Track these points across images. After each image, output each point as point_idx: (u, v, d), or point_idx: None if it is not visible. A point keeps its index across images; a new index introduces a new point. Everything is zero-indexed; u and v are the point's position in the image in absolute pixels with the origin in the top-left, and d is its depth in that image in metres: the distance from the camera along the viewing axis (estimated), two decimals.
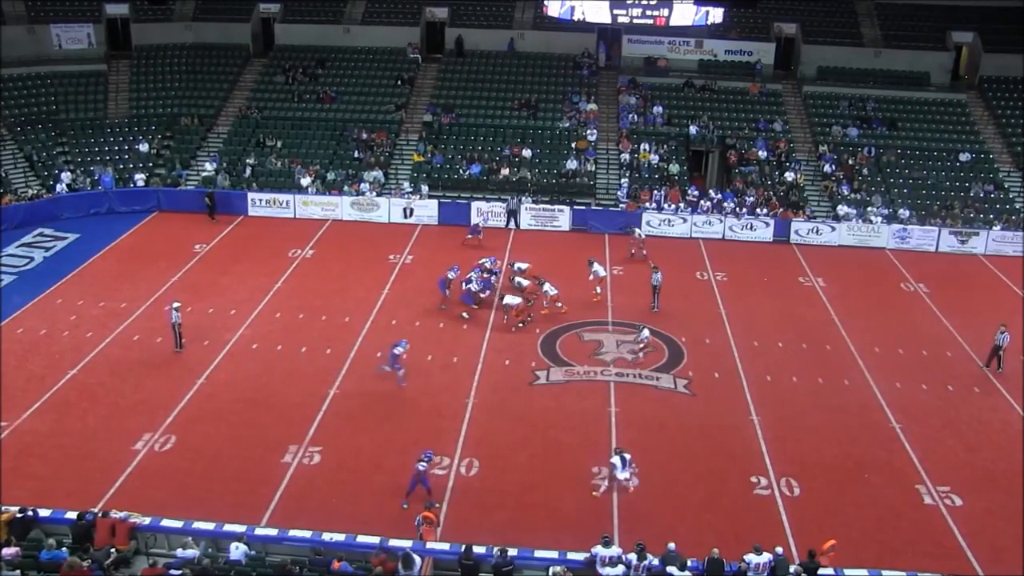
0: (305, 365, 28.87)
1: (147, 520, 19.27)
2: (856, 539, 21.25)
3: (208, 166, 45.51)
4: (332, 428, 25.32)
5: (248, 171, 45.34)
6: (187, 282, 35.19)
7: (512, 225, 42.96)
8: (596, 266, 34.89)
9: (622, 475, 22.65)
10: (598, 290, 35.02)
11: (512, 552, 18.45)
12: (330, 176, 44.91)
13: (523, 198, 43.73)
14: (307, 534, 19.18)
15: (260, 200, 43.34)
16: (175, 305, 29.61)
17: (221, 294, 33.92)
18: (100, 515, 19.12)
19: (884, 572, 18.87)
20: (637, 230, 40.50)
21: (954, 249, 42.66)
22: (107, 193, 43.50)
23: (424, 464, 21.97)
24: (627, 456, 22.79)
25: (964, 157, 47.60)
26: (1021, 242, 42.41)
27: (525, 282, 33.87)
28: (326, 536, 19.01)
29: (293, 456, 23.80)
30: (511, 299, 32.06)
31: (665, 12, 33.63)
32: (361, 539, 19.01)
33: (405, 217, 43.12)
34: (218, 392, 27.06)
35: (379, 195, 43.81)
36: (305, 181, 44.25)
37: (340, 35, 53.54)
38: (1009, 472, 24.67)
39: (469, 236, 40.40)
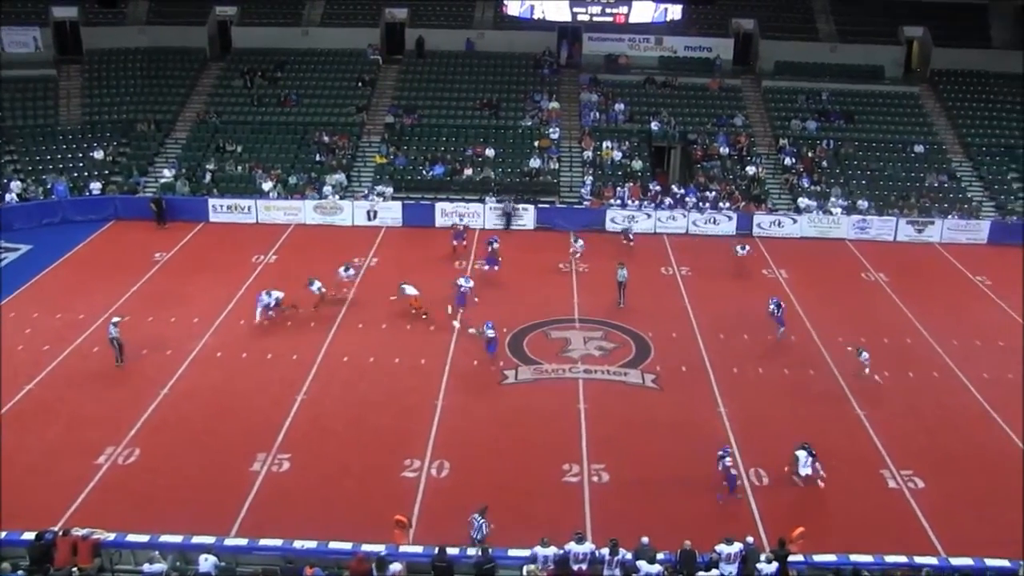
0: (271, 372, 28.58)
1: (111, 536, 18.80)
2: (824, 525, 21.42)
3: (167, 172, 44.93)
4: (300, 434, 25.06)
5: (208, 177, 44.83)
6: (148, 291, 34.69)
7: (508, 227, 42.75)
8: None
9: (805, 470, 22.95)
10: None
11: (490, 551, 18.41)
12: (292, 180, 44.55)
13: (515, 203, 43.54)
14: (278, 542, 18.93)
15: (221, 206, 42.88)
16: (115, 320, 28.86)
17: (183, 303, 33.44)
18: (61, 534, 18.50)
19: (852, 556, 19.09)
20: (629, 234, 40.58)
21: (911, 238, 43.31)
22: (61, 202, 42.57)
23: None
24: (813, 452, 23.16)
25: (919, 149, 48.31)
26: (974, 230, 43.40)
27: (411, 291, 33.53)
28: (297, 544, 18.78)
29: (262, 464, 23.53)
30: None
31: (624, 10, 33.73)
32: (333, 545, 18.81)
33: (369, 220, 42.89)
34: (182, 402, 26.67)
35: (342, 198, 43.54)
36: (267, 186, 43.87)
37: (299, 37, 53.10)
38: (968, 454, 25.22)
39: (455, 243, 39.43)
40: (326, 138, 47.15)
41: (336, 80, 51.33)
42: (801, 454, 23.06)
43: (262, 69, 51.21)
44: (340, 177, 44.69)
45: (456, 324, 31.39)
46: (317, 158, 46.21)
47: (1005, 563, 19.03)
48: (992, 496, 23.29)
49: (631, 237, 39.94)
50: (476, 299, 33.27)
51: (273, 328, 31.34)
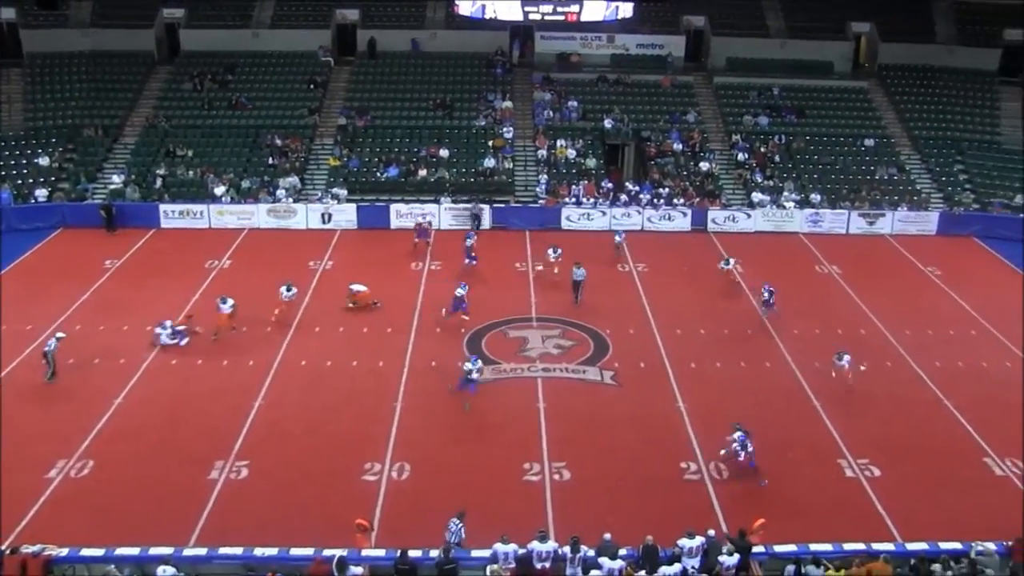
0: (228, 378, 28.28)
1: (64, 551, 18.42)
2: (784, 516, 21.58)
3: (116, 178, 44.24)
4: (259, 441, 24.81)
5: (159, 182, 44.23)
6: (99, 300, 34.10)
7: (478, 228, 42.52)
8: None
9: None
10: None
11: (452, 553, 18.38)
12: (245, 184, 44.13)
13: (483, 205, 43.49)
14: (238, 551, 18.72)
15: (172, 212, 42.30)
16: (59, 335, 28.28)
17: (135, 310, 32.81)
18: (8, 552, 18.08)
19: (811, 545, 19.33)
20: (617, 236, 39.89)
21: (863, 231, 43.95)
22: (4, 210, 41.50)
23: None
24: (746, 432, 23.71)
25: (868, 142, 49.02)
26: (923, 221, 44.17)
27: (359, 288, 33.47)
28: (258, 551, 18.59)
29: (220, 472, 23.25)
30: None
31: (576, 8, 33.96)
32: (295, 551, 18.65)
33: (324, 222, 42.61)
34: (137, 411, 26.26)
35: (296, 201, 43.23)
36: (219, 190, 43.42)
37: (249, 40, 52.62)
38: (921, 441, 25.72)
39: (417, 240, 39.76)
40: (278, 141, 46.76)
41: (288, 82, 50.91)
42: (737, 435, 23.49)
43: (212, 72, 50.71)
44: (293, 180, 44.34)
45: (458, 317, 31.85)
46: (270, 161, 45.82)
47: (957, 545, 19.46)
48: (945, 481, 23.81)
49: (622, 241, 39.53)
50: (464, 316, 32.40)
51: (228, 335, 30.96)
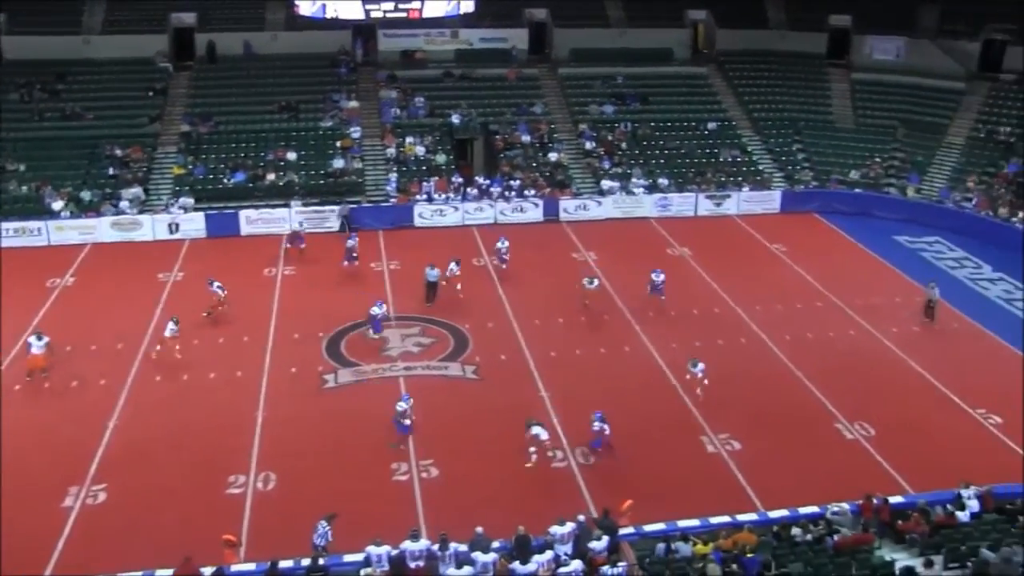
0: (76, 401, 27.16)
1: None
2: (651, 495, 22.08)
3: None
4: (115, 463, 23.96)
5: None
6: None
7: (348, 231, 41.59)
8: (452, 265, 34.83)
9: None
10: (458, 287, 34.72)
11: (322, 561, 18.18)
12: (85, 197, 42.39)
13: (350, 206, 42.93)
14: None
15: (7, 230, 39.96)
16: None
17: None
18: None
19: (679, 522, 20.02)
20: (587, 282, 33.83)
21: (711, 212, 45.33)
22: None
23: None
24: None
25: (711, 126, 50.54)
26: (767, 200, 45.94)
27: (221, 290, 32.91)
28: None
29: (75, 498, 22.37)
30: None
31: (418, 5, 33.92)
32: (160, 573, 18.21)
33: (171, 233, 41.36)
34: None
35: (141, 212, 41.82)
36: (57, 205, 41.55)
37: (80, 46, 50.35)
38: (777, 412, 26.73)
39: (288, 246, 39.07)
40: (118, 151, 45.05)
41: (125, 90, 49.03)
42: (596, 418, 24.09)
43: (41, 81, 48.38)
44: (137, 191, 42.83)
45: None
46: (110, 172, 44.10)
47: (815, 508, 20.45)
48: (800, 449, 24.91)
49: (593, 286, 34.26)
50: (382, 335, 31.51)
51: (76, 354, 29.73)
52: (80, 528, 21.40)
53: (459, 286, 34.60)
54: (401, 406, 24.86)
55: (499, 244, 37.22)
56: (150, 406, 26.80)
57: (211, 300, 32.35)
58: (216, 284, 32.45)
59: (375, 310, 30.93)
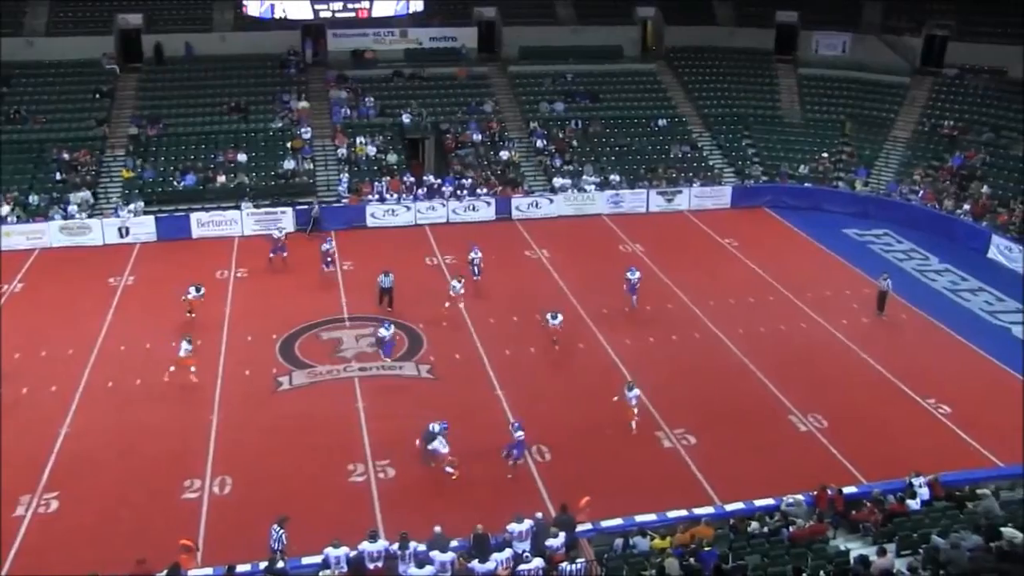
0: (28, 407, 26.73)
1: None
2: (608, 491, 22.20)
3: None
4: (67, 470, 23.65)
5: None
6: None
7: (320, 230, 41.65)
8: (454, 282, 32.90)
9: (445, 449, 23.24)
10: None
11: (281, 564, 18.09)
12: (32, 202, 41.74)
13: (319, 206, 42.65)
14: None
15: None
16: None
17: None
18: None
19: (637, 517, 20.10)
20: (550, 317, 30.56)
21: (662, 208, 45.65)
22: None
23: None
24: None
25: (661, 122, 50.94)
26: (718, 196, 46.40)
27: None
28: None
29: (26, 508, 22.05)
30: None
31: (367, 4, 33.76)
32: None
33: (121, 237, 40.85)
34: None
35: (90, 216, 41.27)
36: (4, 210, 40.83)
37: (23, 48, 49.32)
38: (731, 406, 27.07)
39: (272, 255, 37.61)
40: (65, 155, 44.40)
41: (71, 93, 48.33)
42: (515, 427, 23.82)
43: None
44: (85, 195, 42.26)
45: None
46: (58, 176, 43.46)
47: (770, 501, 20.67)
48: (755, 441, 25.16)
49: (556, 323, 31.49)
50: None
51: (25, 361, 29.28)
52: (32, 537, 21.10)
53: (462, 304, 32.74)
54: (382, 332, 26.14)
55: (472, 255, 35.67)
56: (103, 412, 26.47)
57: (192, 303, 32.13)
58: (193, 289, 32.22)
59: (383, 332, 29.47)
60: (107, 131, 46.64)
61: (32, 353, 29.88)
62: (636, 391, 25.75)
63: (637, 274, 33.48)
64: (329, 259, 36.69)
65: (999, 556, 17.45)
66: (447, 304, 32.54)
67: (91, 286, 35.55)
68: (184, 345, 28.15)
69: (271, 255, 37.67)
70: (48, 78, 48.85)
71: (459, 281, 32.69)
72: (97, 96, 48.20)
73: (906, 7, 52.73)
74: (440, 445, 23.26)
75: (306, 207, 42.69)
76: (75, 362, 29.40)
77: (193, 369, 28.36)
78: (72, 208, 41.40)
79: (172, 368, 28.15)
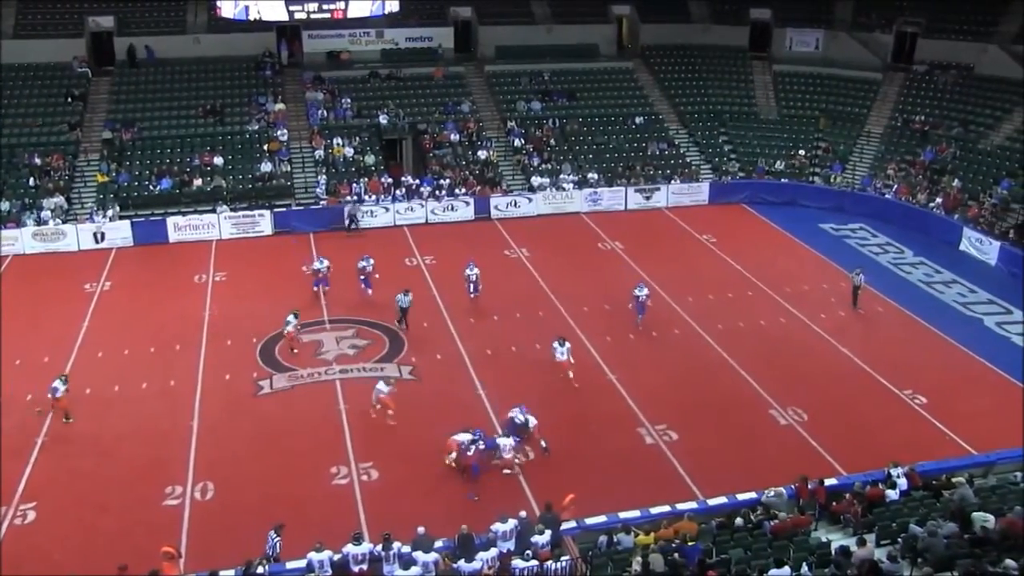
0: (3, 417, 26.29)
1: None
2: (593, 489, 22.27)
3: None
4: (45, 480, 23.44)
5: None
6: None
7: (355, 228, 41.57)
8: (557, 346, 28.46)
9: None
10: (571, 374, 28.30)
11: (262, 570, 18.01)
12: (4, 207, 41.35)
13: (361, 203, 42.44)
14: None
15: None
16: None
17: None
18: None
19: (620, 514, 20.15)
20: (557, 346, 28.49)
21: (641, 205, 45.77)
22: None
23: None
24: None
25: (638, 120, 51.08)
26: (695, 192, 46.64)
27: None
28: None
29: (2, 519, 21.82)
30: None
31: (342, 5, 33.55)
32: None
33: (97, 242, 40.55)
34: None
35: (64, 222, 40.94)
36: None
37: None
38: (713, 401, 27.24)
39: (316, 288, 34.60)
40: (37, 160, 44.03)
41: (42, 97, 47.80)
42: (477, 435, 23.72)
43: None
44: (59, 200, 41.88)
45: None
46: (30, 182, 43.07)
47: (752, 495, 20.77)
48: (737, 436, 25.33)
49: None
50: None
51: None
52: (9, 549, 20.85)
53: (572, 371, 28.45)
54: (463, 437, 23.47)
55: (468, 271, 34.05)
56: (81, 419, 26.19)
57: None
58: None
59: (316, 264, 29.93)
60: (80, 135, 46.20)
61: (6, 362, 29.46)
62: (567, 345, 27.76)
63: (645, 291, 31.97)
64: (363, 276, 34.38)
65: (972, 542, 17.81)
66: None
67: (67, 292, 35.24)
68: (58, 385, 25.87)
69: (314, 288, 34.78)
70: (18, 82, 48.24)
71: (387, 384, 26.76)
72: (69, 100, 47.76)
73: (877, 4, 53.25)
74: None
75: (342, 205, 42.59)
76: (52, 368, 29.04)
77: (296, 344, 29.65)
78: (45, 214, 41.00)
79: (38, 410, 26.14)
